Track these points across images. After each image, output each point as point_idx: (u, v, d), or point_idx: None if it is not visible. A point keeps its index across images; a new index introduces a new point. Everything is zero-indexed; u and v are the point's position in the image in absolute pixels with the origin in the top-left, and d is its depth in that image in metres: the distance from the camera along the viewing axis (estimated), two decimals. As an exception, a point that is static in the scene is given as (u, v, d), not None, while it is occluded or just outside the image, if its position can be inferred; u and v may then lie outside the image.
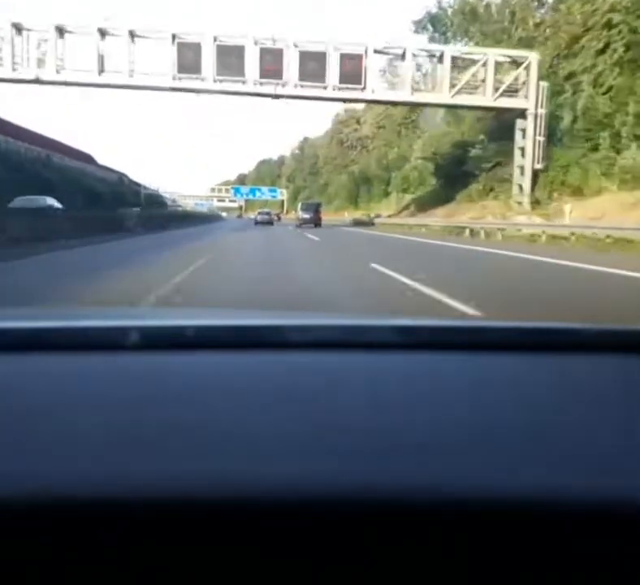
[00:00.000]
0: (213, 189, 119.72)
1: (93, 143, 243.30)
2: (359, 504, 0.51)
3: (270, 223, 43.40)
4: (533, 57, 30.91)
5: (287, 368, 0.77)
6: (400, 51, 31.36)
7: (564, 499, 0.52)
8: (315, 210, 41.95)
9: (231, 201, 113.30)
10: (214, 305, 5.53)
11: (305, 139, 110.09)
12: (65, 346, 0.80)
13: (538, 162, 30.35)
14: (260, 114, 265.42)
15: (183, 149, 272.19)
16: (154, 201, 76.71)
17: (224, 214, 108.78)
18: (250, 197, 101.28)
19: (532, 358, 0.82)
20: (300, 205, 44.45)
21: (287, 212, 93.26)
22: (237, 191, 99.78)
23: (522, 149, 31.09)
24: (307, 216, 40.51)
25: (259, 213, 48.13)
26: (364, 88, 30.58)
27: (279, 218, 57.70)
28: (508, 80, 31.01)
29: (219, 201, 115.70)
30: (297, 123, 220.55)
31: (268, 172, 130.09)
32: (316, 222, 39.50)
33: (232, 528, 0.51)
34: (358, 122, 77.17)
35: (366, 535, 0.51)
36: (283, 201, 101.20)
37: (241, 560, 0.51)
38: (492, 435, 0.61)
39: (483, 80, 30.90)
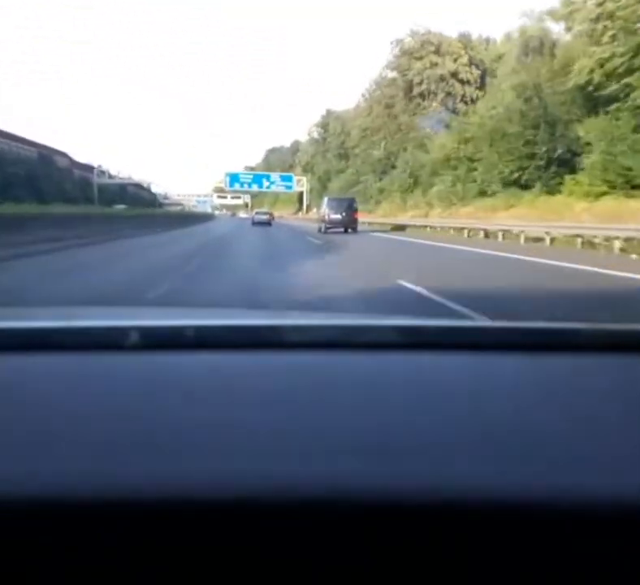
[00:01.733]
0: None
1: (94, 143, 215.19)
2: (359, 504, 0.50)
3: (268, 223, 37.48)
4: None
5: (287, 368, 0.75)
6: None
7: (564, 499, 0.51)
8: (348, 207, 26.37)
9: (233, 197, 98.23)
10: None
11: (329, 112, 76.81)
12: (65, 346, 0.78)
13: None
14: (268, 95, 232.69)
15: (184, 145, 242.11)
16: (125, 196, 57.75)
17: (217, 212, 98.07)
18: (254, 187, 67.99)
19: (532, 358, 0.80)
20: (325, 201, 28.07)
21: (308, 210, 61.21)
22: (234, 179, 66.22)
23: None
24: (336, 216, 25.59)
25: (256, 212, 43.66)
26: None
27: (273, 217, 46.11)
28: None
29: (220, 197, 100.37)
30: (315, 97, 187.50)
31: (279, 162, 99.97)
32: (348, 224, 25.39)
33: (231, 528, 0.50)
34: (438, 51, 43.32)
35: (366, 535, 0.50)
36: (302, 194, 68.19)
37: (241, 559, 0.50)
38: (492, 436, 0.59)
39: None
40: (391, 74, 47.39)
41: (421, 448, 0.57)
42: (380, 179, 43.94)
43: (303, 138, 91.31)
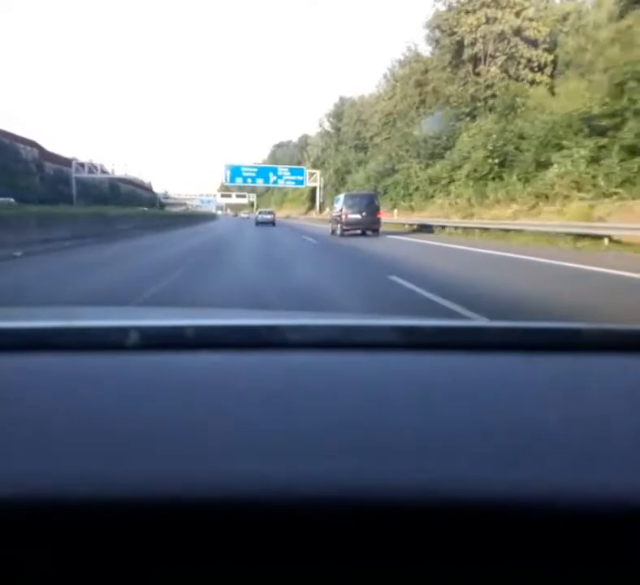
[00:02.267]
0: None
1: (98, 143, 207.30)
2: (359, 504, 0.50)
3: (271, 223, 36.92)
4: None
5: (287, 368, 0.74)
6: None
7: (564, 498, 0.51)
8: (368, 204, 20.26)
9: (238, 196, 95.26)
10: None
11: (342, 100, 66.98)
12: (65, 346, 0.78)
13: None
14: (272, 90, 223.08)
15: (189, 144, 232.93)
16: (117, 195, 53.22)
17: (220, 212, 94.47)
18: (259, 182, 57.90)
19: (532, 358, 0.79)
20: (340, 197, 21.88)
21: (322, 209, 51.63)
22: (236, 173, 56.05)
23: None
24: (355, 216, 19.81)
25: (260, 212, 43.19)
26: None
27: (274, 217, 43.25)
28: None
29: (224, 196, 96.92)
30: (323, 89, 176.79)
31: (287, 158, 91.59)
32: (369, 226, 19.92)
33: (232, 528, 0.50)
34: (496, 2, 33.03)
35: (366, 535, 0.50)
36: (314, 191, 58.23)
37: (241, 560, 0.50)
38: (492, 435, 0.59)
39: None
40: (424, 46, 37.12)
41: (421, 448, 0.56)
42: (428, 166, 32.49)
43: (312, 132, 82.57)
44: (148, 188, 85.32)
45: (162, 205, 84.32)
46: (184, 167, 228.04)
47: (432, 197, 30.45)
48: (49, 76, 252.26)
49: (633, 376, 0.75)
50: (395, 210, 29.34)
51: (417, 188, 32.71)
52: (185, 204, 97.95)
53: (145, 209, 42.05)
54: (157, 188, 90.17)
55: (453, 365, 0.76)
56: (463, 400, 0.66)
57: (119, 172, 56.84)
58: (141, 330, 0.79)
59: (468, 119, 31.31)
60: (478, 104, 31.77)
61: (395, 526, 0.50)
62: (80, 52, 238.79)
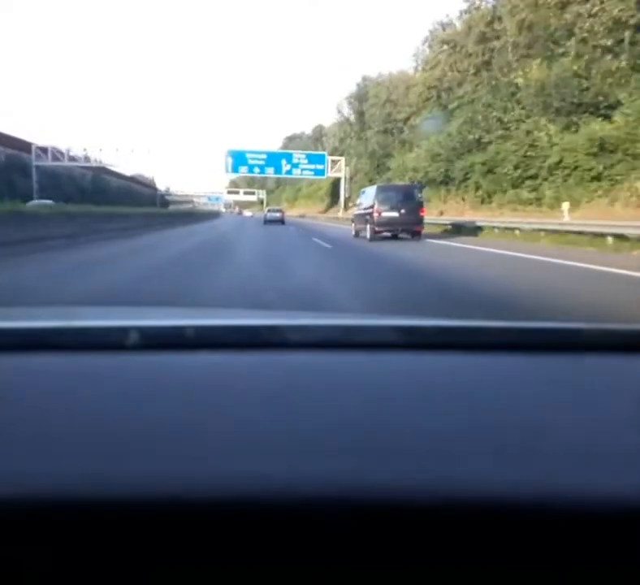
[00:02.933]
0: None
1: (106, 144, 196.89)
2: (359, 504, 0.50)
3: (281, 221, 35.61)
4: None
5: (287, 368, 0.74)
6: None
7: (564, 498, 0.51)
8: (406, 198, 16.11)
9: (246, 192, 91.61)
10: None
11: (366, 80, 55.10)
12: (65, 346, 0.77)
13: None
14: (283, 82, 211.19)
15: (199, 140, 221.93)
16: (106, 191, 45.79)
17: (224, 210, 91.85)
18: (267, 172, 45.82)
19: (532, 358, 0.79)
20: (371, 190, 17.16)
21: (347, 205, 40.20)
22: (239, 160, 44.03)
23: None
24: (391, 214, 15.84)
25: (268, 210, 40.57)
26: None
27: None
28: None
29: (231, 192, 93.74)
30: (335, 78, 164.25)
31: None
32: (409, 226, 16.07)
33: (232, 528, 0.50)
34: None
35: (367, 535, 0.50)
36: (337, 183, 46.31)
37: (242, 560, 0.50)
38: (492, 436, 0.59)
39: None
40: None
41: (421, 448, 0.56)
42: (571, 126, 18.45)
43: (327, 122, 70.97)
44: (149, 185, 74.67)
45: (166, 203, 74.66)
46: (191, 163, 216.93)
47: (596, 179, 16.70)
48: (48, 72, 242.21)
49: (633, 376, 0.74)
50: (566, 204, 16.06)
51: (558, 165, 18.21)
52: (192, 201, 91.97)
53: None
54: (162, 185, 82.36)
55: (453, 365, 0.76)
56: (463, 400, 0.66)
57: (94, 161, 44.88)
58: (141, 330, 0.78)
59: (609, 56, 19.04)
60: (626, 33, 19.48)
61: (395, 526, 0.49)
62: (74, 35, 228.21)
